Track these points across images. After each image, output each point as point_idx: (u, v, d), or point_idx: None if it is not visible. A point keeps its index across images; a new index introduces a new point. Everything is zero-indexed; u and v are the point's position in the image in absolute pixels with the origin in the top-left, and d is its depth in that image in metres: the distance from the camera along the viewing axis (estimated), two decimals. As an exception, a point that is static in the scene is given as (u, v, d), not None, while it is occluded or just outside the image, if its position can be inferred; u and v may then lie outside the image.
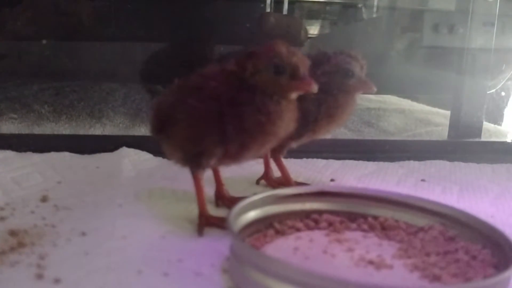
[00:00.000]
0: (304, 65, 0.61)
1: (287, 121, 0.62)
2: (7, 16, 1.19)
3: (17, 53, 1.24)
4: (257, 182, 0.84)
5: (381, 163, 0.95)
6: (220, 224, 0.63)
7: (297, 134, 0.73)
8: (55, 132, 1.07)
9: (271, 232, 0.62)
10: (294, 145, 0.78)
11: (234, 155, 0.63)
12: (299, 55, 0.61)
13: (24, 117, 1.14)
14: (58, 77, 1.37)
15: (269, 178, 0.84)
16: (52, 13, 1.24)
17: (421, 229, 0.62)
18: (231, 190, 0.75)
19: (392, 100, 1.58)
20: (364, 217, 0.64)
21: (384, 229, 0.63)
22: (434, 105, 1.55)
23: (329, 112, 0.75)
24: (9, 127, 1.08)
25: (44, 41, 1.15)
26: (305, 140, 0.78)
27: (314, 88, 0.60)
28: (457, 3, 1.23)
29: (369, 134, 1.24)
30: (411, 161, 0.98)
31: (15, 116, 1.07)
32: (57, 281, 0.50)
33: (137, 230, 0.63)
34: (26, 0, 1.19)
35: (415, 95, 1.63)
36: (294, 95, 0.62)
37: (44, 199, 0.71)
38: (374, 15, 1.51)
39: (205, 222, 0.64)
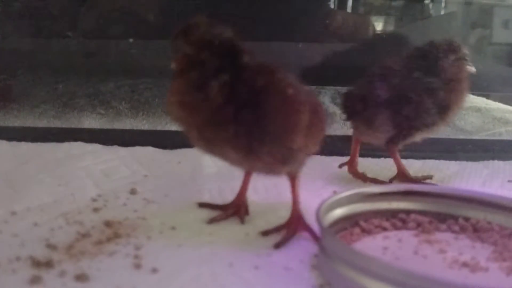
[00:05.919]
0: None
1: None
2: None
3: (100, 51, 1.29)
4: (340, 166, 0.84)
5: (464, 163, 0.92)
6: (313, 234, 0.60)
7: (425, 124, 0.75)
8: (135, 128, 1.10)
9: (357, 230, 0.61)
10: (420, 137, 0.80)
11: None
12: None
13: (104, 113, 1.18)
14: (131, 74, 1.42)
15: (353, 166, 0.83)
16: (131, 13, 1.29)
17: (516, 231, 0.60)
18: (312, 176, 0.76)
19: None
20: (454, 218, 0.63)
21: (476, 231, 0.61)
22: (508, 103, 1.48)
23: (459, 97, 0.77)
24: (91, 122, 1.13)
25: (130, 40, 1.20)
26: (435, 130, 0.79)
27: None
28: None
29: (445, 133, 1.20)
30: (496, 161, 0.94)
31: (102, 111, 1.11)
32: (154, 271, 0.52)
33: (223, 226, 0.64)
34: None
35: (488, 92, 1.57)
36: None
37: (133, 192, 0.74)
38: (442, 12, 1.47)
39: (294, 232, 0.61)
